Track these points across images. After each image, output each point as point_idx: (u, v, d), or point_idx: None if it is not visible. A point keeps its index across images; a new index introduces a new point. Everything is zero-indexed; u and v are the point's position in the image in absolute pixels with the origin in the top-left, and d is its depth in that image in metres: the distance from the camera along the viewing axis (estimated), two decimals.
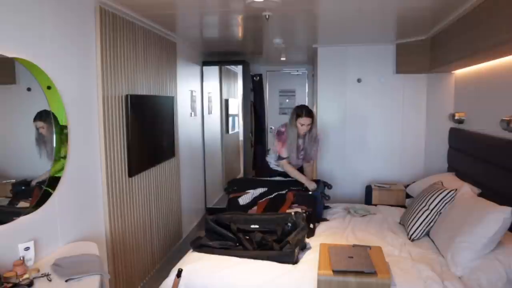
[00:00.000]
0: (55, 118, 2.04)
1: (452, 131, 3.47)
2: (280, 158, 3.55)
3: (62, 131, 2.10)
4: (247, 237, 2.60)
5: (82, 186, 2.34)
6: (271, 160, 3.72)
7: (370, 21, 3.28)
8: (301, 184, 3.44)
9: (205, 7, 2.83)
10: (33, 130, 1.96)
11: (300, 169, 3.65)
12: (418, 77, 4.21)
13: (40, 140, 2.00)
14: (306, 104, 6.82)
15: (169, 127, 3.63)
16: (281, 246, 2.44)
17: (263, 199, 3.28)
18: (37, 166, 1.99)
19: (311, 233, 2.82)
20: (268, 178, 3.56)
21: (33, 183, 1.96)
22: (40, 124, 1.99)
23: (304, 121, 3.37)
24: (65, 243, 2.14)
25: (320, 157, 4.54)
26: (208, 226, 2.71)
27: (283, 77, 6.98)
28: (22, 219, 1.84)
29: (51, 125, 2.01)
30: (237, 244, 2.56)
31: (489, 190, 2.62)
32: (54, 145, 2.03)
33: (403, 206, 3.51)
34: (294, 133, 3.41)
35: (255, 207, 3.20)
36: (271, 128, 6.82)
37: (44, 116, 1.98)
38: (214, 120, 5.41)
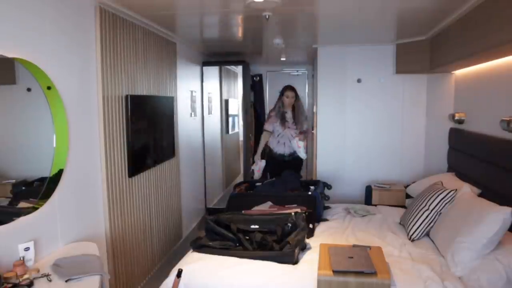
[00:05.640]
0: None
1: (452, 131, 3.47)
2: (264, 130, 4.49)
3: (62, 129, 2.10)
4: (247, 238, 2.60)
5: (82, 187, 2.34)
6: (272, 145, 4.42)
7: (370, 21, 3.27)
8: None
9: (205, 7, 2.83)
10: (32, 130, 1.97)
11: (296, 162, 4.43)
12: (418, 77, 4.21)
13: None
14: (306, 104, 6.83)
15: (169, 127, 3.63)
16: (281, 246, 2.44)
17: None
18: (37, 166, 1.99)
19: (310, 233, 2.81)
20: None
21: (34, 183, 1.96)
22: None
23: (287, 94, 4.33)
24: (65, 243, 2.14)
25: (318, 155, 4.55)
26: (208, 226, 2.71)
27: (283, 78, 6.97)
28: (22, 219, 1.84)
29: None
30: (237, 244, 2.56)
31: (489, 190, 2.62)
32: (54, 145, 2.04)
33: (403, 207, 3.51)
34: (280, 105, 4.37)
35: (255, 207, 3.20)
36: None
37: None
38: (214, 120, 5.41)
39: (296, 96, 4.38)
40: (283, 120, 4.34)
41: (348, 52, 4.38)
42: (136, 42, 2.96)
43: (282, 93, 4.37)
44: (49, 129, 2.01)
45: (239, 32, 3.76)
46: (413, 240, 2.68)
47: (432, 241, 2.61)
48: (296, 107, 4.38)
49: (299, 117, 4.38)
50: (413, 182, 3.69)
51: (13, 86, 1.86)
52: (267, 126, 4.44)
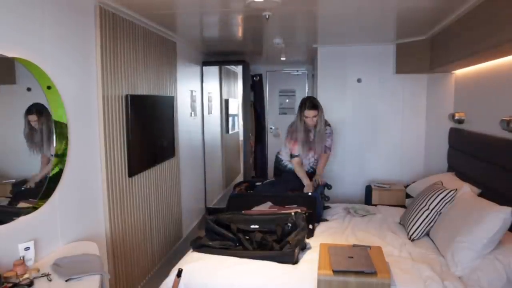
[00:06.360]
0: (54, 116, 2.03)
1: (452, 131, 3.47)
2: (292, 156, 3.56)
3: (62, 130, 2.10)
4: (247, 237, 2.60)
5: (82, 186, 2.34)
6: (283, 157, 3.73)
7: (370, 21, 3.28)
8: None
9: (205, 7, 2.83)
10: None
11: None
12: (418, 77, 4.22)
13: (34, 136, 1.96)
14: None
15: (169, 127, 3.63)
16: (281, 246, 2.44)
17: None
18: (37, 166, 1.99)
19: (310, 233, 2.81)
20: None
21: (34, 182, 1.96)
22: (33, 117, 1.95)
23: (308, 113, 3.37)
24: (65, 243, 2.14)
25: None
26: (208, 226, 2.71)
27: (283, 77, 6.98)
28: (22, 219, 1.84)
29: (47, 121, 2.00)
30: (237, 244, 2.56)
31: (489, 190, 2.62)
32: (55, 144, 2.03)
33: (403, 206, 3.51)
34: (300, 125, 3.44)
35: (255, 207, 3.20)
36: (271, 128, 6.82)
37: (38, 110, 1.95)
38: (214, 120, 5.41)
39: (319, 111, 3.38)
40: (307, 143, 3.48)
41: (348, 52, 4.38)
42: (136, 41, 2.96)
43: (300, 110, 3.41)
44: (47, 124, 2.00)
45: (239, 32, 3.76)
46: (413, 240, 2.68)
47: (432, 240, 2.61)
48: (315, 130, 3.44)
49: (319, 139, 3.47)
50: (413, 182, 3.69)
51: (13, 86, 1.86)
52: (295, 150, 3.52)
